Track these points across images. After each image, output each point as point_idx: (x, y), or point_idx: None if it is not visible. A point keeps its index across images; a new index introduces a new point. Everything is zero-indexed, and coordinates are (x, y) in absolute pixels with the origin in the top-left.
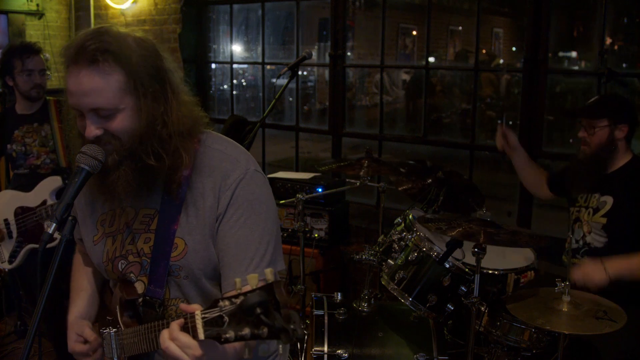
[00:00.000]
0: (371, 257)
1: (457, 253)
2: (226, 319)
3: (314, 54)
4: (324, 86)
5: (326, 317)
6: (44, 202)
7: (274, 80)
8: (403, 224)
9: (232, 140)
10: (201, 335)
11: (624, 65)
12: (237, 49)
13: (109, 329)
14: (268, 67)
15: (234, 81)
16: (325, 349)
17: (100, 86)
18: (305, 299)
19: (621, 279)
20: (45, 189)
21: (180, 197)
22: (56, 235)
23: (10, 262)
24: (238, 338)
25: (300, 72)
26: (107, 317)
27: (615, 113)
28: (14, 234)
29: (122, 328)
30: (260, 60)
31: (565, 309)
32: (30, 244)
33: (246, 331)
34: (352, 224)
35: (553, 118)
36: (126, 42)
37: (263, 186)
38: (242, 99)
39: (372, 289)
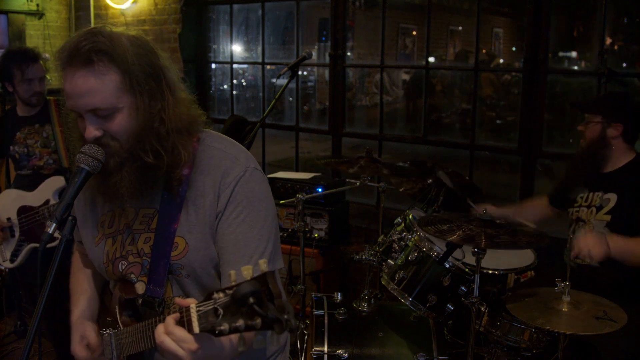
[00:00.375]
0: (371, 257)
1: (457, 253)
2: (220, 311)
3: (314, 54)
4: (324, 86)
5: (326, 317)
6: (47, 202)
7: (274, 80)
8: (403, 224)
9: (231, 138)
10: (196, 329)
11: (624, 65)
12: (237, 49)
13: (109, 330)
14: (268, 67)
15: (234, 81)
16: (325, 349)
17: (97, 86)
18: (305, 299)
19: (621, 257)
20: (49, 189)
21: (180, 196)
22: (57, 234)
23: (12, 261)
24: (232, 330)
25: (300, 72)
26: (107, 318)
27: (609, 111)
28: (17, 233)
29: (121, 327)
30: (260, 60)
31: (565, 309)
32: (32, 244)
33: (240, 322)
34: (352, 224)
35: (553, 118)
36: (120, 41)
37: (262, 184)
38: (242, 99)
39: (372, 289)
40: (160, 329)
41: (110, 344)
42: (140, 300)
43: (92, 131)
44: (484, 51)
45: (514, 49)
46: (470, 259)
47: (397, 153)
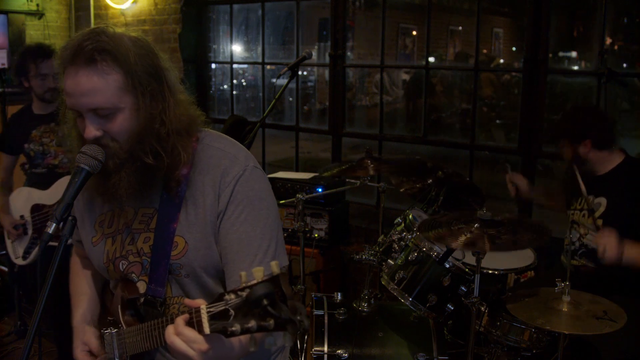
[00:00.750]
0: (371, 257)
1: (457, 253)
2: (232, 312)
3: (314, 54)
4: (324, 86)
5: (326, 317)
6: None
7: (274, 80)
8: (403, 224)
9: (230, 138)
10: (207, 330)
11: (624, 65)
12: (237, 49)
13: (110, 329)
14: (268, 67)
15: (234, 81)
16: (325, 349)
17: (99, 86)
18: (305, 299)
19: (630, 264)
20: (63, 188)
21: (179, 196)
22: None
23: (24, 258)
24: (244, 331)
25: (300, 72)
26: (108, 318)
27: (570, 133)
28: (29, 231)
29: (124, 327)
30: (260, 60)
31: (565, 309)
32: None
33: (252, 323)
34: (352, 224)
35: (553, 118)
36: (122, 41)
37: (263, 182)
38: (242, 99)
39: (372, 289)
40: (170, 330)
41: (112, 344)
42: (142, 300)
43: (92, 131)
44: (484, 51)
45: (514, 49)
46: (470, 259)
47: (397, 153)
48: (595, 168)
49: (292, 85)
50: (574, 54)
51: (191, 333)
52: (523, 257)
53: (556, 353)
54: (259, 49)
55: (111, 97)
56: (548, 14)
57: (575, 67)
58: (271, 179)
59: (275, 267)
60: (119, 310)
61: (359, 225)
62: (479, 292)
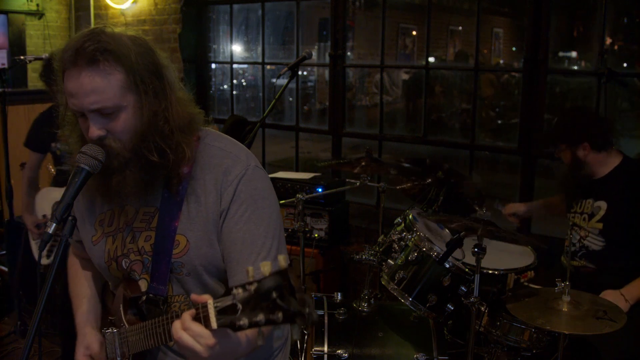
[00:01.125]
0: (371, 257)
1: (457, 253)
2: (239, 306)
3: (314, 54)
4: (324, 86)
5: (326, 317)
6: None
7: (274, 80)
8: (403, 224)
9: (231, 137)
10: (214, 324)
11: (624, 65)
12: (237, 49)
13: (111, 328)
14: (268, 67)
15: (234, 81)
16: (325, 349)
17: (102, 85)
18: None
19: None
20: None
21: (180, 194)
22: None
23: (47, 257)
24: (252, 324)
25: (300, 72)
26: (109, 318)
27: (568, 136)
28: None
29: (126, 326)
30: (260, 60)
31: (565, 309)
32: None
33: (260, 317)
34: (352, 224)
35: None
36: (122, 40)
37: (265, 181)
38: (242, 99)
39: (372, 289)
40: (177, 325)
41: (113, 343)
42: (144, 298)
43: (95, 131)
44: (485, 51)
45: (514, 49)
46: (470, 259)
47: (397, 153)
48: (594, 170)
49: (292, 85)
50: (574, 54)
51: (198, 328)
52: (523, 257)
53: (556, 353)
54: (259, 49)
55: (114, 97)
56: (548, 14)
57: (575, 67)
58: (271, 179)
59: (282, 261)
60: (121, 309)
61: (359, 225)
62: (479, 292)
